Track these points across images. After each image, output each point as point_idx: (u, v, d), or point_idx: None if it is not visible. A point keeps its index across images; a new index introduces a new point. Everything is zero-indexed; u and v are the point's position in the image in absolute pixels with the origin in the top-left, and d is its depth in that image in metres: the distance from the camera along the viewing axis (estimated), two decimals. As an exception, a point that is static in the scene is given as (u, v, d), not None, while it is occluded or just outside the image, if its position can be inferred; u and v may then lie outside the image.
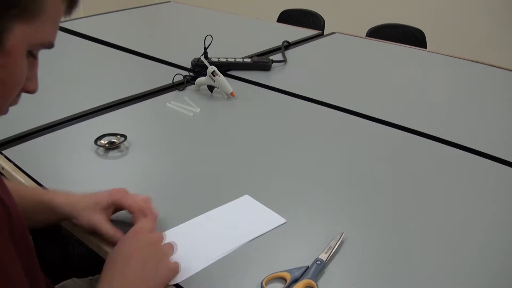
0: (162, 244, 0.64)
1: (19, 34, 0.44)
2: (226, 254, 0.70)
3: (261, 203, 0.82)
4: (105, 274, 0.58)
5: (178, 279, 0.63)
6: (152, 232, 0.66)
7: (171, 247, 0.64)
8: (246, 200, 0.82)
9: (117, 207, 0.71)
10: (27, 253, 0.56)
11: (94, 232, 0.69)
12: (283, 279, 0.65)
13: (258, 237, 0.74)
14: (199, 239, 0.73)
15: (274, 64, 1.49)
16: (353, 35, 1.91)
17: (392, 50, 1.75)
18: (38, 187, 0.79)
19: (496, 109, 1.25)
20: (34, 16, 0.45)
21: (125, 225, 0.71)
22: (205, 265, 0.67)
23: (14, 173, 0.87)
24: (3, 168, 0.90)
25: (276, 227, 0.76)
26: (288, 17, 2.51)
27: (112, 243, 0.66)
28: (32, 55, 0.49)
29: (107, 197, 0.70)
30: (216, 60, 1.41)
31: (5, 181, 0.65)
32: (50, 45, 0.49)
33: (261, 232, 0.74)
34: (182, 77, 1.33)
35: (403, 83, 1.42)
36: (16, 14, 0.43)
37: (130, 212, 0.70)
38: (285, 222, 0.77)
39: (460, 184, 0.91)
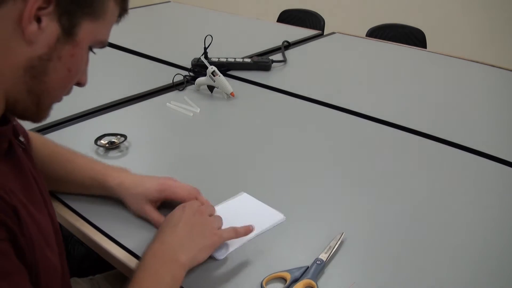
0: (210, 216, 0.70)
1: (87, 30, 0.51)
2: (228, 253, 0.70)
3: (260, 202, 0.82)
4: (156, 236, 0.65)
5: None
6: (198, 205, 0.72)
7: (218, 219, 0.70)
8: (244, 198, 0.82)
9: (167, 197, 0.77)
10: (57, 228, 0.60)
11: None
12: (283, 279, 0.65)
13: (258, 236, 0.74)
14: None
15: (274, 64, 1.49)
16: (353, 35, 1.91)
17: (392, 50, 1.75)
18: (94, 160, 0.83)
19: (496, 109, 1.26)
20: (100, 16, 0.52)
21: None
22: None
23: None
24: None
25: (276, 227, 0.76)
26: (288, 17, 2.51)
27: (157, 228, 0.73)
28: (90, 51, 0.56)
29: (155, 193, 0.76)
30: (216, 60, 1.41)
31: (57, 146, 0.80)
32: (105, 44, 0.56)
33: (261, 229, 0.74)
34: (182, 77, 1.33)
35: (403, 83, 1.42)
36: (87, 12, 0.50)
37: (183, 201, 0.75)
38: (284, 220, 0.77)
39: (460, 184, 0.91)
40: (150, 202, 0.75)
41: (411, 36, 2.24)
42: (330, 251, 0.70)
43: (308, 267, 0.67)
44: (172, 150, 1.01)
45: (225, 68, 1.42)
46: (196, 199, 0.75)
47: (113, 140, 0.98)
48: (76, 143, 1.00)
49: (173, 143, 1.04)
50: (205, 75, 1.24)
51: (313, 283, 0.64)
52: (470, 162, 0.99)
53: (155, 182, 0.76)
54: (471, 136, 1.09)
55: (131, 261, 0.69)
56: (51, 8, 0.47)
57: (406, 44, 1.90)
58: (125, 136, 0.99)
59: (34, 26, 0.47)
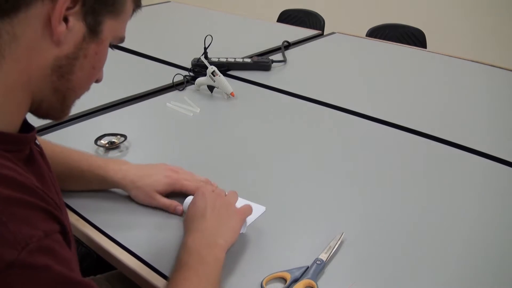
0: (226, 195, 0.74)
1: (109, 27, 0.52)
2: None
3: (261, 202, 0.82)
4: (189, 226, 0.68)
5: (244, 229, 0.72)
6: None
7: (234, 195, 0.75)
8: None
9: (175, 188, 0.80)
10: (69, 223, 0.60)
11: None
12: (283, 279, 0.65)
13: (258, 236, 0.74)
14: None
15: (274, 64, 1.49)
16: (353, 35, 1.91)
17: (392, 50, 1.75)
18: (91, 155, 0.85)
19: (496, 109, 1.25)
20: (120, 14, 0.53)
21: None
22: None
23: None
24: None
25: (277, 227, 0.76)
26: (288, 17, 2.51)
27: (170, 212, 0.78)
28: (111, 47, 0.57)
29: (165, 186, 0.78)
30: (216, 60, 1.41)
31: (56, 146, 0.79)
32: (123, 39, 0.57)
33: (250, 221, 0.76)
34: (182, 77, 1.33)
35: (403, 83, 1.42)
36: (110, 10, 0.52)
37: (192, 193, 0.78)
38: (264, 210, 0.79)
39: (461, 184, 0.91)
40: (158, 192, 0.78)
41: (411, 36, 2.24)
42: (330, 251, 0.70)
43: (308, 267, 0.67)
44: (172, 150, 1.01)
45: (225, 68, 1.42)
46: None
47: (113, 140, 0.98)
48: (76, 143, 0.99)
49: (173, 143, 1.04)
50: (205, 75, 1.24)
51: (313, 283, 0.64)
52: (470, 162, 0.99)
53: (161, 175, 0.79)
54: (471, 136, 1.08)
55: (131, 262, 0.69)
56: (77, 8, 0.48)
57: (406, 44, 1.90)
58: (125, 136, 0.99)
59: (62, 26, 0.47)
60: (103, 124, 1.09)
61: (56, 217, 0.46)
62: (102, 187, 0.81)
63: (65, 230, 0.47)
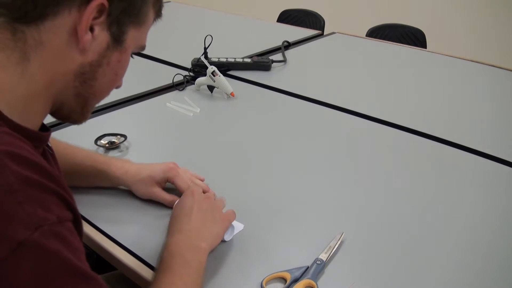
0: (214, 200, 0.74)
1: (132, 36, 0.54)
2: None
3: (261, 202, 0.82)
4: (173, 226, 0.68)
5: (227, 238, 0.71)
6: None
7: (222, 201, 0.75)
8: None
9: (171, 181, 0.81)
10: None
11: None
12: (283, 279, 0.65)
13: (258, 236, 0.74)
14: None
15: (274, 64, 1.49)
16: (353, 35, 1.91)
17: (392, 50, 1.75)
18: (95, 152, 0.88)
19: (496, 109, 1.25)
20: (143, 24, 0.55)
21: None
22: None
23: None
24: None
25: (277, 227, 0.76)
26: (288, 17, 2.51)
27: (170, 207, 0.77)
28: (132, 55, 0.58)
29: (161, 173, 0.79)
30: (216, 60, 1.41)
31: (61, 142, 0.80)
32: (143, 48, 0.59)
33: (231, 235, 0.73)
34: (182, 77, 1.33)
35: (403, 83, 1.42)
36: (133, 21, 0.54)
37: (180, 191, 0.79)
38: (243, 227, 0.75)
39: (461, 184, 0.91)
40: (157, 184, 0.79)
41: (411, 36, 2.24)
42: (330, 251, 0.70)
43: (308, 267, 0.67)
44: (172, 150, 1.01)
45: (225, 68, 1.42)
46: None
47: (113, 140, 0.98)
48: (76, 143, 0.99)
49: (173, 143, 1.04)
50: (205, 75, 1.24)
51: (313, 283, 0.64)
52: (470, 162, 0.99)
53: (159, 165, 0.80)
54: (471, 136, 1.08)
55: (131, 262, 0.69)
56: (103, 18, 0.49)
57: (406, 44, 1.90)
58: (125, 136, 0.99)
59: (88, 35, 0.49)
60: (103, 124, 1.08)
61: (71, 206, 0.46)
62: (104, 183, 0.81)
63: (77, 220, 0.48)
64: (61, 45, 0.48)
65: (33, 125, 0.51)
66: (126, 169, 0.80)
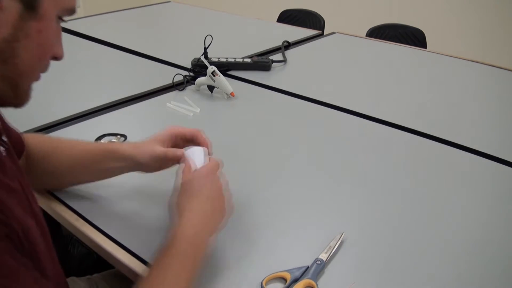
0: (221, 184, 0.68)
1: (49, 0, 0.48)
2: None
3: (261, 202, 0.82)
4: (183, 204, 0.64)
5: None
6: (218, 170, 0.70)
7: (227, 184, 0.69)
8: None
9: (174, 138, 0.76)
10: (44, 231, 0.57)
11: (158, 165, 0.75)
12: (283, 279, 0.65)
13: (258, 236, 0.74)
14: None
15: (274, 64, 1.49)
16: (353, 35, 1.91)
17: (392, 50, 1.75)
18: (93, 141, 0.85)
19: (497, 109, 1.26)
20: None
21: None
22: None
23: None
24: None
25: (277, 227, 0.76)
26: (288, 17, 2.51)
27: (169, 158, 0.72)
28: (59, 20, 0.52)
29: (163, 131, 0.76)
30: (216, 60, 1.41)
31: (59, 138, 0.78)
32: (73, 11, 0.53)
33: None
34: (182, 77, 1.33)
35: (403, 83, 1.42)
36: None
37: (186, 137, 0.76)
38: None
39: (461, 184, 0.91)
40: (160, 143, 0.74)
41: (411, 36, 2.24)
42: (330, 251, 0.70)
43: (308, 267, 0.67)
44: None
45: (225, 68, 1.42)
46: (198, 139, 0.76)
47: (113, 140, 0.98)
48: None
49: (173, 143, 1.04)
50: (205, 75, 1.24)
51: (313, 283, 0.64)
52: (470, 162, 0.99)
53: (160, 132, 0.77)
54: (471, 136, 1.09)
55: (131, 261, 0.69)
56: None
57: (406, 44, 1.90)
58: (125, 136, 0.99)
59: None
60: (103, 124, 1.08)
61: (3, 221, 0.43)
62: (112, 163, 0.76)
63: (14, 231, 0.45)
64: None
65: None
66: (132, 144, 0.76)
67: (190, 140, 0.76)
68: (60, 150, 0.78)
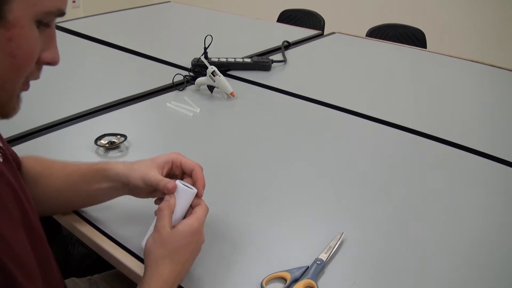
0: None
1: (21, 4, 0.43)
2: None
3: (261, 202, 0.82)
4: (158, 252, 0.60)
5: None
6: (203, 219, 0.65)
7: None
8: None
9: (173, 166, 0.71)
10: (39, 240, 0.56)
11: (150, 190, 0.69)
12: (283, 279, 0.65)
13: (258, 236, 0.74)
14: None
15: (274, 64, 1.49)
16: (353, 35, 1.91)
17: (392, 50, 1.75)
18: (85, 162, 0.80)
19: (497, 109, 1.26)
20: None
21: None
22: None
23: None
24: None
25: (277, 227, 0.76)
26: (288, 17, 2.51)
27: (160, 189, 0.66)
28: (44, 25, 0.47)
29: (164, 155, 0.70)
30: (216, 60, 1.41)
31: (51, 160, 0.73)
32: (60, 13, 0.47)
33: None
34: (182, 77, 1.33)
35: (403, 83, 1.42)
36: None
37: (185, 170, 0.70)
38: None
39: (461, 184, 0.91)
40: (156, 168, 0.68)
41: (411, 36, 2.24)
42: (330, 251, 0.70)
43: (308, 267, 0.67)
44: (172, 150, 1.00)
45: (225, 68, 1.42)
46: (196, 176, 0.70)
47: (113, 140, 0.98)
48: (76, 143, 1.00)
49: (173, 143, 1.04)
50: (205, 75, 1.24)
51: (313, 283, 0.64)
52: (470, 162, 0.99)
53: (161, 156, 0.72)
54: (471, 136, 1.09)
55: (131, 262, 0.69)
56: None
57: (406, 44, 1.90)
58: (125, 136, 0.99)
59: None
60: (103, 124, 1.08)
61: None
62: (103, 184, 0.71)
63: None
64: None
65: None
66: (124, 163, 0.71)
67: (187, 173, 0.71)
68: (52, 168, 0.74)
